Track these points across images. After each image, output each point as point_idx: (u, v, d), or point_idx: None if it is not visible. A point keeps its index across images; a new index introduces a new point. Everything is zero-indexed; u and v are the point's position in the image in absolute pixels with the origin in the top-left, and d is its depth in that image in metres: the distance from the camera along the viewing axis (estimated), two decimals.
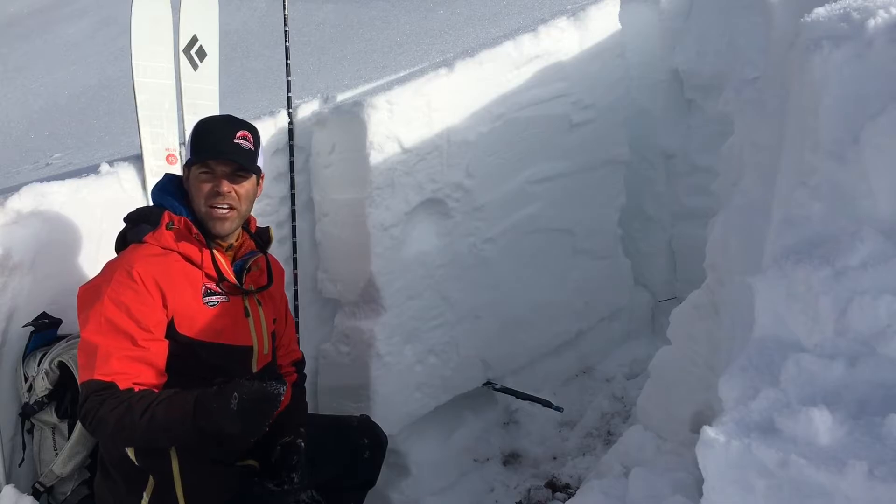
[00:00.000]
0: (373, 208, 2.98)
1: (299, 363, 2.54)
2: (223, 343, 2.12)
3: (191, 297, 2.09)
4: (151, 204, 2.27)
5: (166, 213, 2.12)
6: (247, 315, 2.20)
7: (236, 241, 2.25)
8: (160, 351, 2.02)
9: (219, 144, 2.13)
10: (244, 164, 2.14)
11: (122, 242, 2.17)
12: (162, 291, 2.03)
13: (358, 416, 2.61)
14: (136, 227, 2.14)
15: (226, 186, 2.11)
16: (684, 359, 2.46)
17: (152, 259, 2.06)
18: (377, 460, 2.51)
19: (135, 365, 1.97)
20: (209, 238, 2.15)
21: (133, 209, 2.23)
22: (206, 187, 2.11)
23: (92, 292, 2.02)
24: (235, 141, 2.13)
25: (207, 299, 2.12)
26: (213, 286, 2.15)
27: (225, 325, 2.14)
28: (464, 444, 3.45)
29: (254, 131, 2.20)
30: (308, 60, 4.48)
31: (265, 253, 2.32)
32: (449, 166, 3.19)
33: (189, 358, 2.06)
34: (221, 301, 2.15)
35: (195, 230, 2.12)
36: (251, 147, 2.17)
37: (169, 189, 2.21)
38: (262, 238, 2.33)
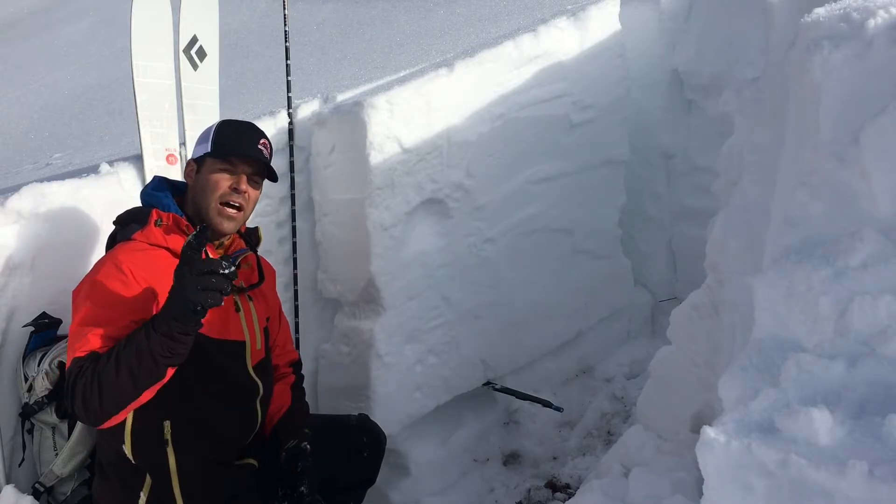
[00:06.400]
0: (373, 208, 2.98)
1: (296, 364, 2.54)
2: (214, 337, 2.11)
3: None
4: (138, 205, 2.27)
5: (154, 210, 2.13)
6: (237, 310, 2.20)
7: (227, 239, 2.25)
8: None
9: (245, 145, 2.18)
10: (268, 166, 2.21)
11: (112, 244, 2.17)
12: (151, 285, 2.02)
13: (356, 414, 2.62)
14: (126, 228, 2.14)
15: (244, 185, 2.15)
16: (684, 359, 2.46)
17: (139, 254, 2.06)
18: (376, 459, 2.51)
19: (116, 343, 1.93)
20: None
21: (123, 211, 2.23)
22: (226, 182, 2.14)
23: (81, 289, 2.03)
24: (259, 146, 2.20)
25: None
26: None
27: (215, 319, 2.12)
28: (464, 444, 3.45)
29: (270, 142, 2.28)
30: (308, 60, 4.48)
31: (255, 251, 2.33)
32: (449, 166, 3.19)
33: None
34: None
35: (184, 223, 2.13)
36: (269, 156, 2.25)
37: (159, 188, 2.22)
38: (251, 237, 2.34)
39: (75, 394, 1.88)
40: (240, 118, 2.37)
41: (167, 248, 2.10)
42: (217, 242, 2.22)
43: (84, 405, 1.87)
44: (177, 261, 2.07)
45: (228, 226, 2.16)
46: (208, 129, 2.23)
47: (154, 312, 1.98)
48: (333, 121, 3.06)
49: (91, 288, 1.99)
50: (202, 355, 2.08)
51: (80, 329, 1.95)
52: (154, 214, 2.12)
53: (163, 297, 2.01)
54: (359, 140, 2.95)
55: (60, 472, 2.24)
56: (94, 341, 1.91)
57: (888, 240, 1.47)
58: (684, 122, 4.32)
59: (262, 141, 2.22)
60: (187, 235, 2.12)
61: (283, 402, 2.40)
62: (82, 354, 1.90)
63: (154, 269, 2.04)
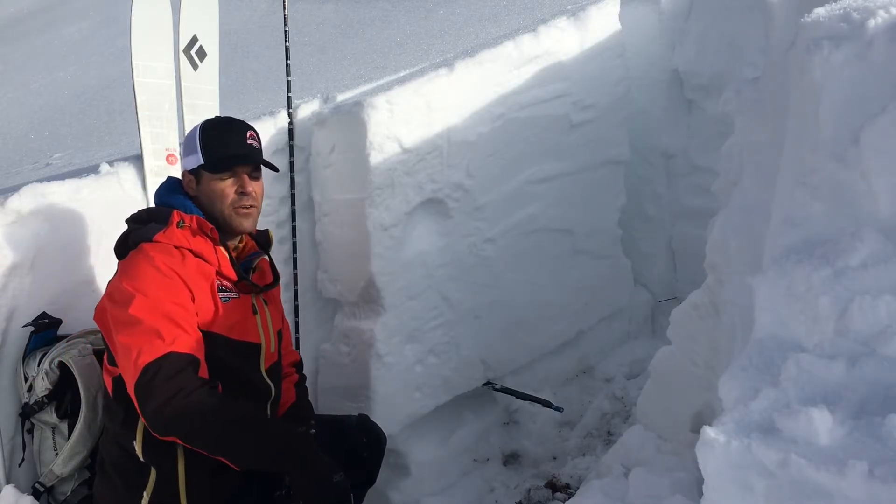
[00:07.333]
0: (373, 208, 2.98)
1: (298, 364, 2.57)
2: (233, 338, 2.13)
3: (208, 292, 2.10)
4: (153, 205, 2.28)
5: (175, 212, 2.13)
6: (254, 312, 2.22)
7: (240, 242, 2.28)
8: (200, 335, 2.04)
9: (239, 149, 2.19)
10: (267, 163, 2.23)
11: (125, 244, 2.16)
12: (187, 282, 2.04)
13: (356, 415, 2.62)
14: (145, 227, 2.13)
15: (249, 186, 2.18)
16: (684, 359, 2.46)
17: (169, 256, 2.06)
18: (376, 459, 2.51)
19: (196, 348, 1.98)
20: (223, 237, 2.18)
21: (135, 210, 2.24)
22: (232, 189, 2.16)
23: (120, 294, 2.00)
24: (249, 142, 2.21)
25: (221, 294, 2.14)
26: (224, 282, 2.17)
27: (235, 320, 2.15)
28: (464, 444, 3.45)
29: (256, 131, 2.28)
30: (308, 60, 4.48)
31: (268, 254, 2.36)
32: (449, 166, 3.19)
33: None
34: (232, 297, 2.17)
35: (209, 226, 2.14)
36: (259, 146, 2.25)
37: (177, 189, 2.23)
38: (262, 240, 2.36)
39: (161, 391, 1.89)
40: (240, 118, 2.35)
41: (190, 250, 2.10)
42: (232, 246, 2.24)
43: (170, 412, 1.90)
44: (199, 262, 2.11)
45: (248, 223, 2.20)
46: (192, 136, 2.21)
47: (191, 310, 2.01)
48: (333, 121, 3.06)
49: (142, 292, 1.98)
50: (220, 356, 2.09)
51: (148, 327, 1.94)
52: (175, 216, 2.12)
53: (196, 295, 2.05)
54: (359, 140, 2.95)
55: (60, 472, 2.24)
56: (181, 343, 1.95)
57: (888, 240, 1.47)
58: (684, 122, 4.32)
59: (249, 134, 2.21)
60: (210, 240, 2.14)
61: (288, 398, 2.43)
62: (179, 351, 1.93)
63: (184, 270, 2.06)
